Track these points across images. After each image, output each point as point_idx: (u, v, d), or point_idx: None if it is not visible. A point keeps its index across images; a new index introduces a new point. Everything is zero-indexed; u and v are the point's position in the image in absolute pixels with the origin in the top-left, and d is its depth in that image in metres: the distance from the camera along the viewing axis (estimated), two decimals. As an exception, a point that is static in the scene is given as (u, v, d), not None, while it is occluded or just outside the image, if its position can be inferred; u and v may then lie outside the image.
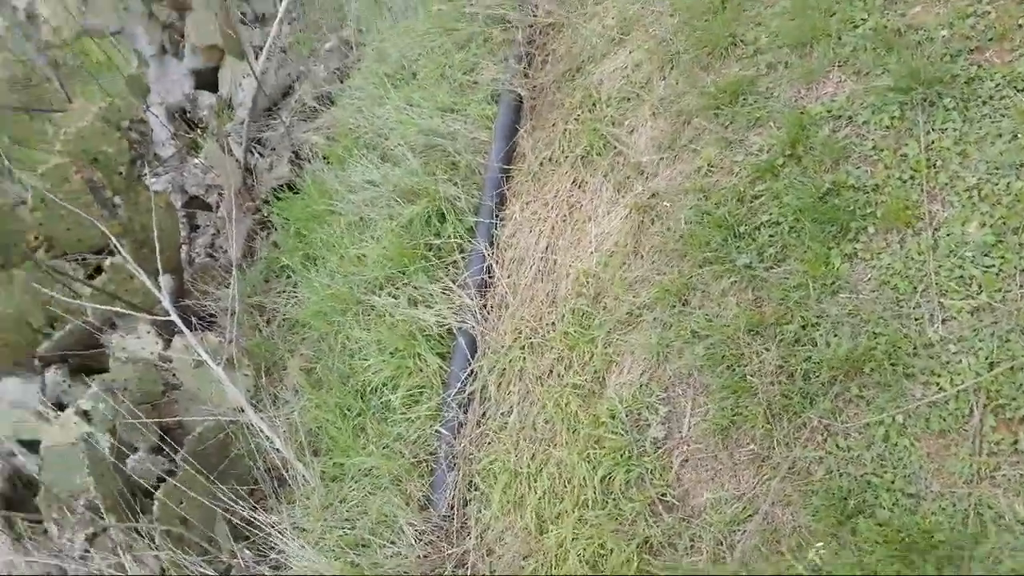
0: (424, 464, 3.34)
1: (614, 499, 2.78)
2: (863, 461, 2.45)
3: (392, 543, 3.07)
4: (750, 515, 2.53)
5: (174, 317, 4.05)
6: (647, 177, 3.62)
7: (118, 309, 4.20)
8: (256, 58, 5.36)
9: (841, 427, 2.53)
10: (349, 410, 3.62)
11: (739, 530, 2.53)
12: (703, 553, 2.55)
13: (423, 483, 3.27)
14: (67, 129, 4.53)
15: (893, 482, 2.35)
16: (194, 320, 4.43)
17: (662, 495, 2.73)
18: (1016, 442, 2.20)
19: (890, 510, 2.31)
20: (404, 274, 3.92)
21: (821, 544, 2.34)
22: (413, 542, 3.03)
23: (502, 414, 3.30)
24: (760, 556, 2.44)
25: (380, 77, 4.81)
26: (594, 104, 3.97)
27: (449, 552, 3.02)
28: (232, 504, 3.34)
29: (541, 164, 4.09)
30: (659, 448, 2.86)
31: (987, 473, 2.22)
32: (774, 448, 2.63)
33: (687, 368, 2.98)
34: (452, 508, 3.15)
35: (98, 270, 4.85)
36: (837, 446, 2.51)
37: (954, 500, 2.24)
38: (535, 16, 4.48)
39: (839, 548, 2.33)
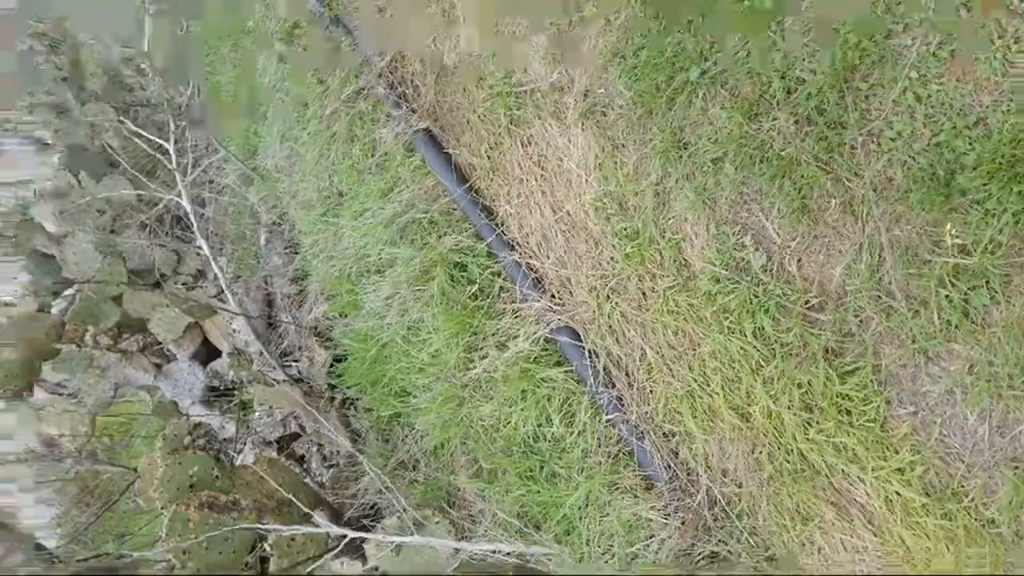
0: (621, 455, 3.59)
1: (776, 341, 2.97)
2: (918, 133, 2.57)
3: (651, 536, 3.33)
4: (880, 255, 2.68)
5: (353, 534, 4.51)
6: (567, 88, 3.85)
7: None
8: (224, 302, 5.93)
9: (880, 122, 2.67)
10: (531, 471, 3.92)
11: (882, 275, 2.67)
12: (872, 318, 2.71)
13: (632, 470, 3.51)
14: (153, 487, 5.18)
15: (955, 127, 2.45)
16: (365, 522, 4.88)
17: (806, 303, 2.89)
18: (1009, 6, 2.29)
19: (972, 149, 2.41)
20: (476, 334, 4.25)
21: (949, 226, 2.47)
22: (665, 520, 3.30)
23: (640, 360, 3.53)
24: (914, 278, 2.59)
25: (319, 220, 5.24)
26: (480, 79, 4.24)
27: (697, 501, 3.26)
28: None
29: (488, 158, 4.37)
30: (771, 270, 3.04)
31: (1012, 53, 2.31)
32: (849, 186, 2.77)
33: (735, 192, 3.17)
34: (670, 467, 3.39)
35: (263, 560, 5.45)
36: (891, 139, 2.63)
37: (1009, 97, 2.34)
38: (376, 66, 4.82)
39: (965, 216, 2.46)
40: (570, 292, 3.87)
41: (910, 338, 2.62)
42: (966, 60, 2.43)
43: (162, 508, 5.50)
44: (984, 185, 2.42)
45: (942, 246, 2.52)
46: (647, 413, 3.48)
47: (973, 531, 2.49)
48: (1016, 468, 2.41)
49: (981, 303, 2.45)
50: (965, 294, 2.48)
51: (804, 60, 2.84)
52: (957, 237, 2.49)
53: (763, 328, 3.00)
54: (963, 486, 2.54)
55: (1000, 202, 2.39)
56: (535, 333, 3.88)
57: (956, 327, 2.50)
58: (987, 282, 2.43)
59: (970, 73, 2.44)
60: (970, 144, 2.43)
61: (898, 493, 2.64)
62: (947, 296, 2.51)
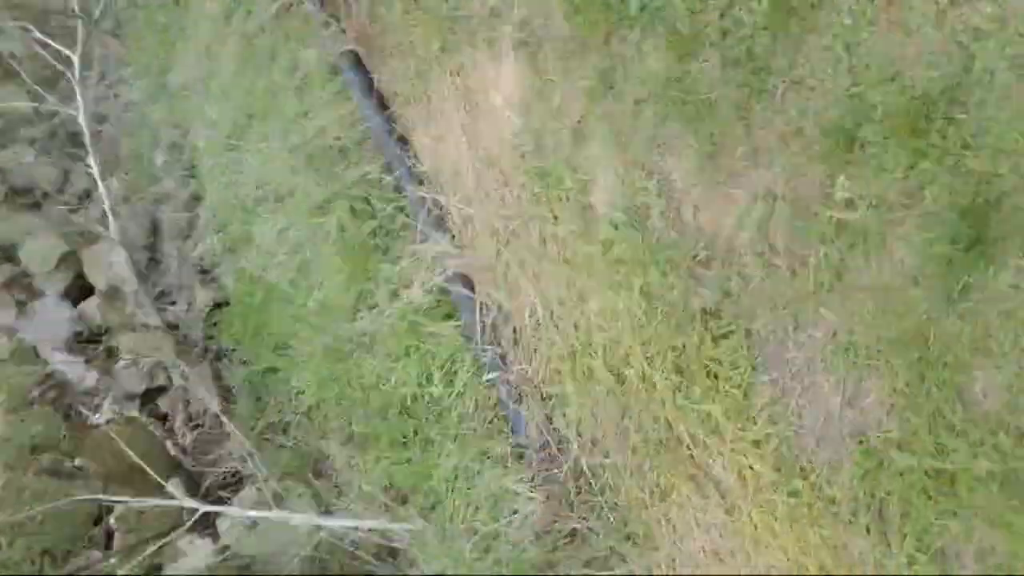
0: (496, 420, 4.02)
1: (660, 298, 3.38)
2: (839, 80, 2.94)
3: (515, 512, 3.76)
4: (773, 206, 3.10)
5: (206, 507, 4.90)
6: (504, 14, 4.30)
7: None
8: (108, 228, 6.36)
9: (803, 70, 3.09)
10: (405, 436, 4.35)
11: (769, 228, 3.09)
12: (753, 276, 3.14)
13: (506, 437, 3.95)
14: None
15: (875, 78, 2.83)
16: (223, 493, 5.30)
17: (694, 257, 3.30)
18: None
19: (882, 102, 2.79)
20: (370, 278, 4.69)
21: (841, 178, 2.89)
22: (531, 494, 3.72)
23: (529, 316, 3.94)
24: (799, 232, 3.00)
25: (223, 142, 5.71)
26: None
27: (563, 472, 3.70)
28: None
29: (413, 85, 4.82)
30: (668, 217, 3.43)
31: (946, 2, 2.68)
32: (761, 134, 3.20)
33: (650, 136, 3.57)
34: (542, 433, 3.81)
35: (108, 535, 5.77)
36: (811, 88, 3.01)
37: (931, 49, 2.72)
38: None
39: (860, 169, 2.87)
40: (470, 234, 4.32)
41: (783, 301, 3.04)
42: (901, 6, 2.82)
43: (-3, 473, 5.80)
44: (885, 139, 2.82)
45: (832, 200, 2.94)
46: (528, 374, 3.91)
47: (815, 510, 2.90)
48: (860, 442, 2.81)
49: (855, 264, 2.87)
50: (842, 253, 2.89)
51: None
52: (847, 191, 2.91)
53: (650, 284, 3.41)
54: (811, 461, 2.94)
55: (894, 157, 2.79)
56: (430, 280, 4.32)
57: (828, 290, 2.91)
58: (864, 240, 2.84)
59: (903, 21, 2.82)
60: (884, 95, 2.83)
61: (751, 467, 3.05)
62: (825, 254, 2.91)
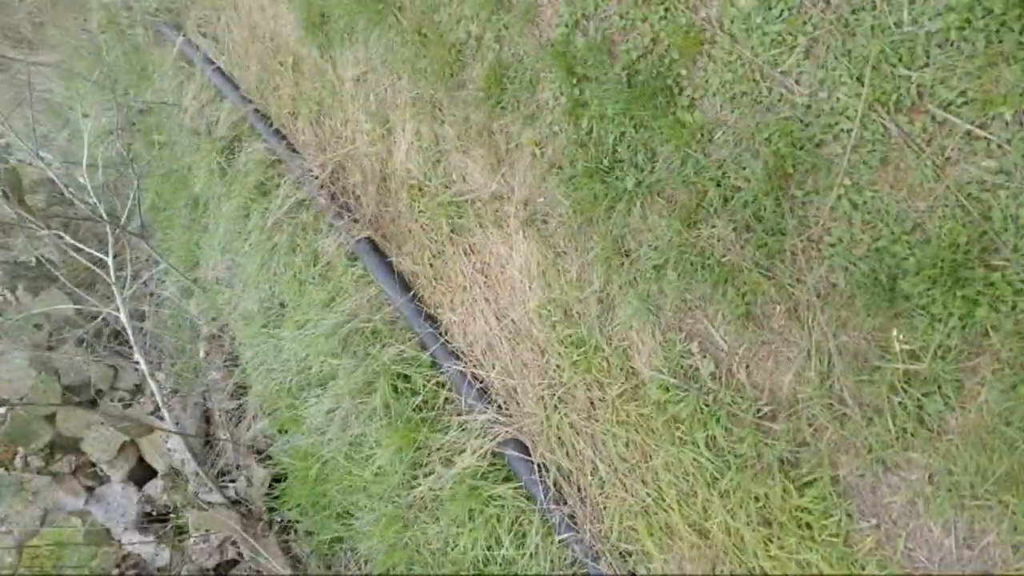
0: (575, 577, 3.30)
1: (729, 451, 2.77)
2: (857, 239, 2.49)
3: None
4: (829, 361, 2.54)
5: None
6: (507, 197, 3.74)
7: None
8: (161, 419, 5.53)
9: (819, 229, 2.59)
10: (482, 598, 3.58)
11: (832, 381, 2.53)
12: (826, 426, 2.54)
13: (588, 592, 3.22)
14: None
15: (892, 232, 2.38)
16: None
17: (758, 412, 2.72)
18: (933, 116, 2.26)
19: (911, 254, 2.33)
20: (420, 449, 3.95)
21: (895, 331, 2.36)
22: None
23: (591, 475, 3.29)
24: (865, 384, 2.44)
25: (259, 332, 4.96)
26: (419, 189, 4.12)
27: (661, 623, 2.97)
28: None
29: (431, 266, 4.20)
30: (720, 377, 2.87)
31: (942, 160, 2.26)
32: (793, 292, 2.66)
33: (679, 299, 3.03)
34: (627, 589, 3.11)
35: None
36: (831, 246, 2.55)
37: (944, 203, 2.27)
38: (318, 177, 4.69)
39: (911, 321, 2.35)
40: (517, 403, 3.64)
41: (866, 447, 2.45)
42: (898, 167, 2.36)
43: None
44: (928, 290, 2.33)
45: (891, 351, 2.39)
46: (601, 532, 3.21)
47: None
48: (988, 583, 2.22)
49: (935, 410, 2.31)
50: (918, 401, 2.34)
51: (738, 169, 2.77)
52: (905, 343, 2.37)
53: (715, 438, 2.81)
54: (935, 604, 2.33)
55: (945, 307, 2.29)
56: (482, 447, 3.62)
57: (912, 435, 2.35)
58: (939, 388, 2.30)
59: (903, 180, 2.37)
60: (909, 250, 2.35)
61: (868, 611, 2.42)
62: (900, 403, 2.37)
